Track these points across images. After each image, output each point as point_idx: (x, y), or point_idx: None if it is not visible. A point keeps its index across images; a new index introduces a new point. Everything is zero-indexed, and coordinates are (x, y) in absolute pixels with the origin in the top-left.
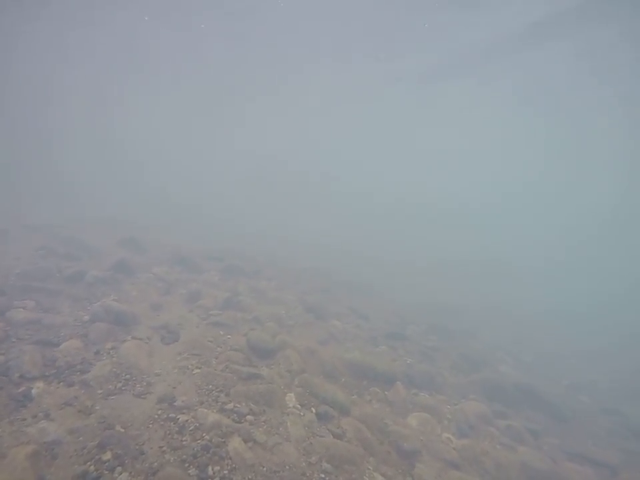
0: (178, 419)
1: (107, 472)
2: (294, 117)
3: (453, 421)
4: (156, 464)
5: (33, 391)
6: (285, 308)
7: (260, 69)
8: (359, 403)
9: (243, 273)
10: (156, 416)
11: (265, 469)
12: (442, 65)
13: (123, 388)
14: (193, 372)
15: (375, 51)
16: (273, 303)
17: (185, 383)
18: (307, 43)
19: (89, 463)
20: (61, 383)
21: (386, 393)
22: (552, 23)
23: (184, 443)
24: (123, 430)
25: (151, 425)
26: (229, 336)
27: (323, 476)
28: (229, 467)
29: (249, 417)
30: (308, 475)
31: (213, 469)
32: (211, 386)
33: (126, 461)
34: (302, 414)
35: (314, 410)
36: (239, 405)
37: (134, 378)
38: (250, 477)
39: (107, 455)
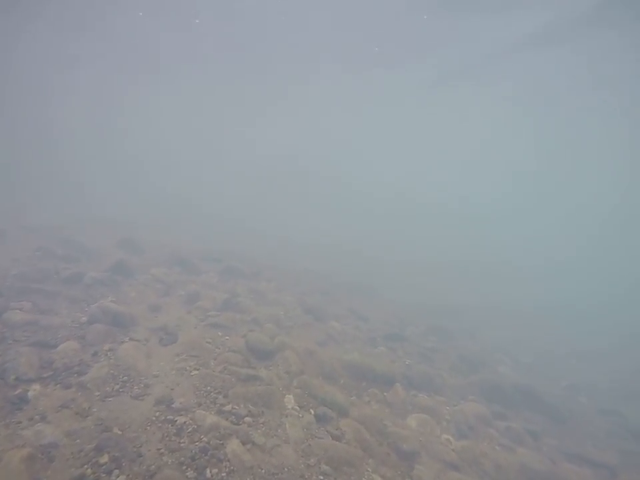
0: (176, 420)
1: (104, 475)
2: (299, 117)
3: (452, 422)
4: (153, 466)
5: (29, 393)
6: (283, 309)
7: (270, 68)
8: (358, 404)
9: (242, 274)
10: (154, 418)
11: (263, 471)
12: (447, 69)
13: (121, 390)
14: (191, 373)
15: (371, 45)
16: (272, 305)
17: (183, 385)
18: (316, 44)
19: (85, 466)
20: (58, 385)
21: (385, 394)
22: (556, 29)
23: (182, 445)
24: (120, 432)
25: (148, 427)
26: (227, 337)
27: (321, 478)
28: (227, 470)
29: (247, 419)
30: (307, 477)
31: (211, 472)
32: (209, 387)
33: (123, 464)
34: (301, 415)
35: (313, 411)
36: (237, 407)
37: (131, 380)
38: (248, 479)
39: (104, 458)
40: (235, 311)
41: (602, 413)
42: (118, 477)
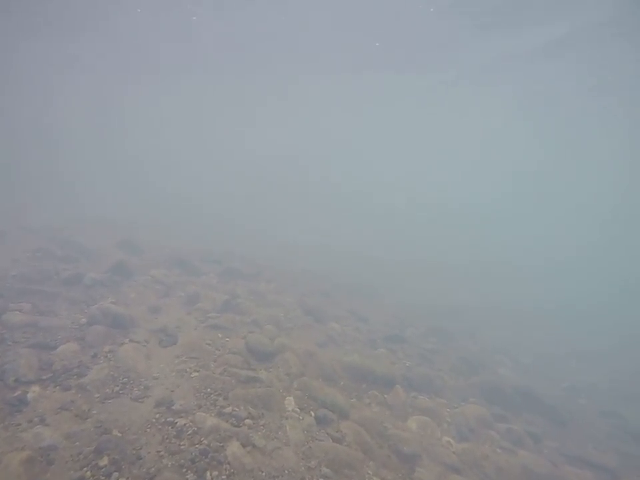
0: (176, 423)
1: (103, 478)
2: (298, 118)
3: (452, 425)
4: (153, 469)
5: (29, 395)
6: (283, 311)
7: (270, 68)
8: (358, 406)
9: (242, 275)
10: (153, 420)
11: (263, 473)
12: (457, 74)
13: (121, 392)
14: (191, 375)
15: (372, 41)
16: (272, 306)
17: (183, 387)
18: (317, 44)
19: (85, 469)
20: (57, 387)
21: (385, 396)
22: (569, 41)
23: (182, 447)
24: (120, 434)
25: (148, 429)
26: (227, 339)
27: None
28: (228, 472)
29: (247, 421)
30: (307, 479)
31: (211, 474)
32: (209, 389)
33: (123, 467)
34: (301, 418)
35: (313, 413)
36: (237, 409)
37: (131, 381)
38: None
39: (104, 461)
40: (235, 312)
41: (602, 414)
42: (117, 479)
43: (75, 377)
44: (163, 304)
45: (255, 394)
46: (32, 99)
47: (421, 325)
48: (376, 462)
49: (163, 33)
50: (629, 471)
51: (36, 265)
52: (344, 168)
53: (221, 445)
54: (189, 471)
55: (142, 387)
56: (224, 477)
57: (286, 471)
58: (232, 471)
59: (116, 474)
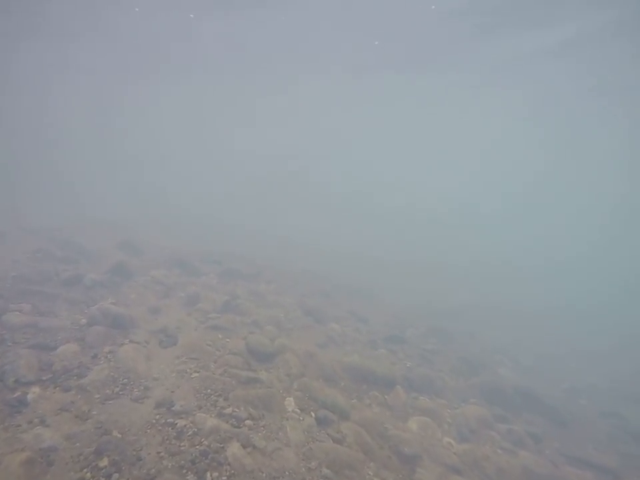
0: (176, 423)
1: (103, 479)
2: (299, 118)
3: (453, 425)
4: (153, 470)
5: (29, 396)
6: (284, 311)
7: (270, 67)
8: (359, 407)
9: (242, 276)
10: (154, 421)
11: (264, 474)
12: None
13: (121, 392)
14: (192, 376)
15: (372, 40)
16: (272, 307)
17: (183, 387)
18: (319, 45)
19: (85, 470)
20: (57, 388)
21: (386, 396)
22: (575, 44)
23: (182, 448)
24: (120, 435)
25: (148, 430)
26: (227, 339)
27: None
28: (228, 473)
29: (247, 422)
30: None
31: (211, 475)
32: (209, 390)
33: (123, 468)
34: (301, 418)
35: (313, 414)
36: (237, 410)
37: (132, 382)
38: None
39: (104, 462)
40: (235, 313)
41: (602, 415)
42: None
43: (75, 377)
44: (163, 305)
45: (255, 395)
46: (31, 99)
47: (421, 325)
48: (376, 463)
49: (162, 33)
50: (630, 471)
51: (36, 266)
52: (344, 168)
53: (222, 445)
54: (189, 472)
55: (142, 388)
56: (224, 478)
57: (286, 472)
58: (232, 472)
59: (116, 475)
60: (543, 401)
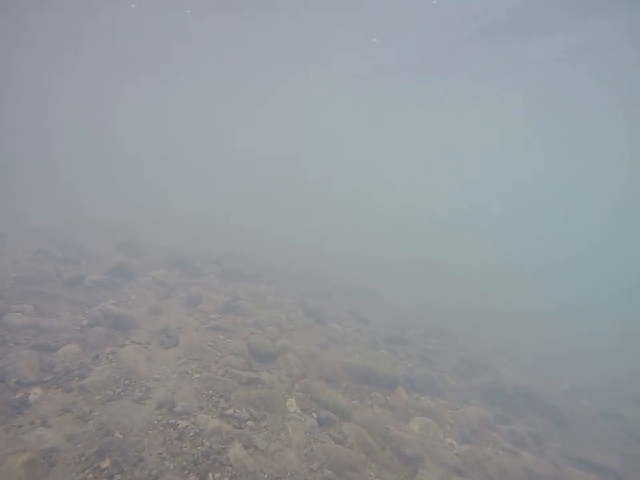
0: (178, 424)
1: None
2: (299, 118)
3: (455, 426)
4: (155, 471)
5: (30, 397)
6: (284, 312)
7: (270, 67)
8: (360, 407)
9: (243, 276)
10: (155, 422)
11: (266, 475)
12: (437, 55)
13: (122, 393)
14: (193, 377)
15: (370, 36)
16: (273, 307)
17: (184, 388)
18: (317, 43)
19: (87, 471)
20: (59, 389)
21: (387, 397)
22: (578, 51)
23: (184, 449)
24: (121, 436)
25: (150, 431)
26: (228, 340)
27: None
28: (230, 474)
29: (249, 423)
30: None
31: (213, 476)
32: (211, 391)
33: (125, 469)
34: (303, 419)
35: (315, 415)
36: (239, 411)
37: (133, 383)
38: None
39: (106, 463)
40: (236, 313)
41: (604, 415)
42: None
43: (77, 378)
44: (164, 305)
45: (256, 395)
46: (32, 99)
47: (421, 325)
48: (378, 464)
49: (161, 32)
50: (633, 472)
51: (37, 267)
52: (344, 168)
53: (223, 446)
54: (191, 473)
55: (143, 389)
56: (226, 479)
57: (288, 473)
58: (234, 472)
59: (118, 476)
60: (544, 402)
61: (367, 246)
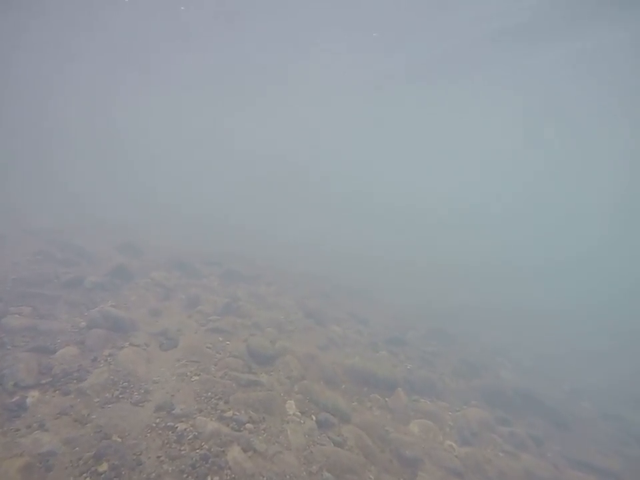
0: (176, 427)
1: None
2: (298, 118)
3: (455, 428)
4: (154, 475)
5: (28, 400)
6: (284, 313)
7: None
8: (360, 409)
9: (242, 277)
10: (154, 425)
11: (264, 478)
12: (440, 61)
13: (121, 396)
14: (192, 379)
15: (370, 33)
16: (273, 308)
17: (183, 391)
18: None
19: (84, 475)
20: (57, 392)
21: (387, 399)
22: (555, 23)
23: (182, 452)
24: (119, 440)
25: (148, 434)
26: (228, 342)
27: None
28: (229, 477)
29: (248, 425)
30: None
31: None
32: (209, 393)
33: (123, 472)
34: (302, 421)
35: (314, 417)
36: (238, 413)
37: (132, 385)
38: None
39: (103, 466)
40: (236, 315)
41: (605, 417)
42: None
43: (75, 381)
44: (163, 307)
45: (255, 398)
46: (30, 100)
47: (421, 326)
48: (378, 466)
49: (158, 32)
50: (633, 475)
51: (36, 268)
52: (344, 168)
53: (222, 449)
54: (190, 477)
55: (142, 391)
56: None
57: (287, 476)
58: (233, 476)
59: None
60: (544, 403)
61: (366, 246)
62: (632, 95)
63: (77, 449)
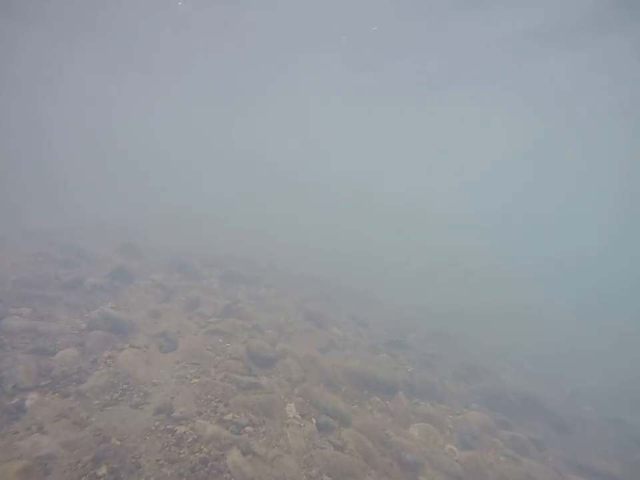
0: (176, 430)
1: None
2: (298, 120)
3: (455, 432)
4: (153, 478)
5: (27, 402)
6: (284, 315)
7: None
8: (360, 412)
9: (243, 279)
10: (153, 427)
11: None
12: (447, 69)
13: (120, 398)
14: (192, 381)
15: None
16: (273, 311)
17: (183, 393)
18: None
19: (83, 478)
20: (56, 394)
21: (387, 402)
22: (560, 32)
23: (182, 455)
24: (119, 442)
25: (148, 437)
26: (228, 344)
27: None
28: None
29: (248, 428)
30: None
31: None
32: (209, 396)
33: (122, 476)
34: (302, 425)
35: (314, 420)
36: (238, 416)
37: (131, 388)
38: None
39: (102, 470)
40: (236, 317)
41: (606, 421)
42: None
43: (74, 383)
44: (163, 309)
45: (255, 400)
46: (30, 101)
47: (421, 329)
48: (378, 470)
49: (157, 30)
50: (634, 479)
51: (36, 269)
52: (344, 168)
53: (221, 453)
54: None
55: (141, 394)
56: None
57: None
58: (232, 479)
59: None
60: (545, 407)
61: (366, 246)
62: (631, 94)
63: (76, 451)
